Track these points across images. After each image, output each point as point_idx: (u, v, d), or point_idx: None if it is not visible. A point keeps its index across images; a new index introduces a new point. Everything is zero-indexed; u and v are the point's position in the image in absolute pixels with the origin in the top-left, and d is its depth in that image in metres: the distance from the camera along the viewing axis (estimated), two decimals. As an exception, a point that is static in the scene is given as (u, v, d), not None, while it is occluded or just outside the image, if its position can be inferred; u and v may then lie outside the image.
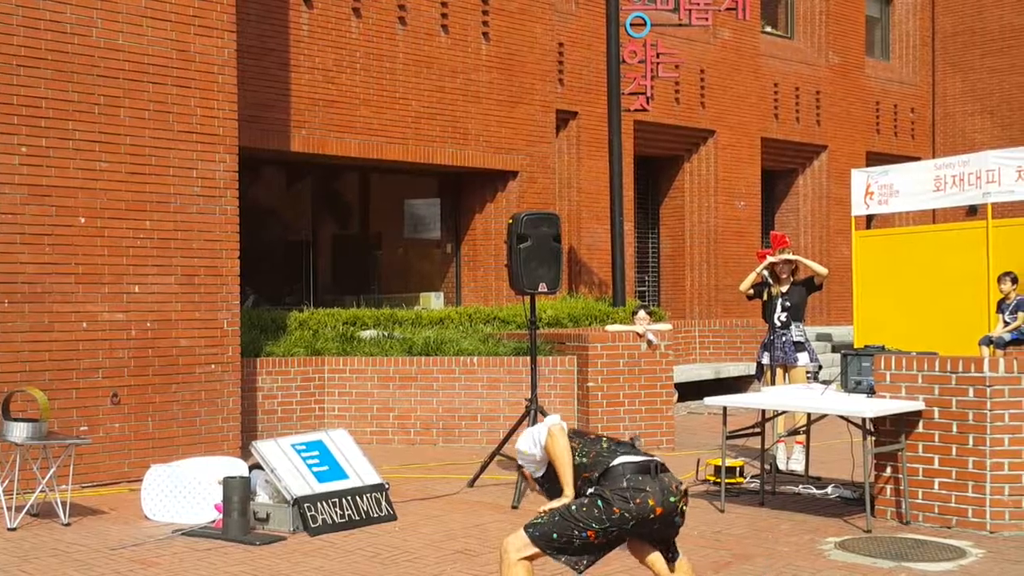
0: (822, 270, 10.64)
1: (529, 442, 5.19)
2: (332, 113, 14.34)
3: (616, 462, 4.95)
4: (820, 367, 10.09)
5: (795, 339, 10.42)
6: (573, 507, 4.89)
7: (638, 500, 4.83)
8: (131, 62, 9.82)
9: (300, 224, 16.28)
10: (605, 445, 5.07)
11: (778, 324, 10.44)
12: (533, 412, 9.36)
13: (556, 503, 5.03)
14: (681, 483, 5.04)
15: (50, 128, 9.36)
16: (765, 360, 10.60)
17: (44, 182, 9.33)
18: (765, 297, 10.64)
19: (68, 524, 8.03)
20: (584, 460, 5.01)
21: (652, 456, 5.10)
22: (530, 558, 4.91)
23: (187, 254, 10.23)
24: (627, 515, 4.83)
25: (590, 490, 4.93)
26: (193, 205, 10.26)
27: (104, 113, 9.68)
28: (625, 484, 4.86)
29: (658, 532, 5.04)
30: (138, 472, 9.07)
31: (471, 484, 9.49)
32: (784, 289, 10.50)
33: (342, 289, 16.21)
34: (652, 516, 4.86)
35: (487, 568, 6.76)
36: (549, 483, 5.22)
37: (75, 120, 9.50)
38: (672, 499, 4.92)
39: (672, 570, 5.17)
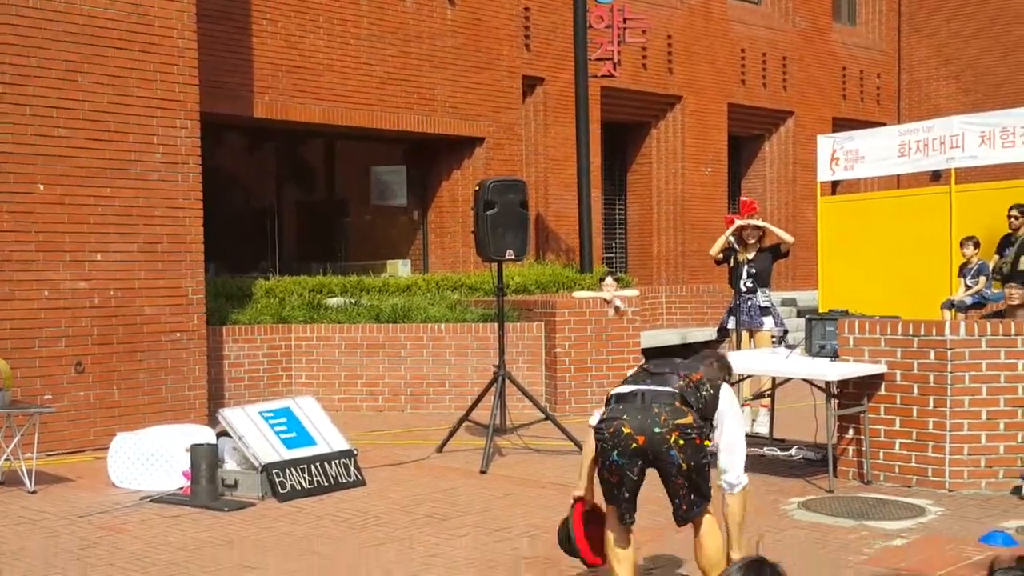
0: (788, 238, 10.73)
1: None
2: (296, 79, 14.22)
3: (611, 392, 4.94)
4: (786, 332, 10.16)
5: (761, 304, 10.51)
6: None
7: (611, 429, 4.75)
8: (90, 26, 9.69)
9: (265, 191, 16.17)
10: (630, 371, 5.11)
11: (744, 289, 10.53)
12: (501, 379, 9.38)
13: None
14: (680, 416, 4.76)
15: (7, 94, 9.23)
16: (731, 325, 10.69)
17: (2, 149, 9.21)
18: (732, 263, 10.72)
19: (34, 492, 8.00)
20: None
21: (655, 385, 4.89)
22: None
23: (150, 222, 10.15)
24: (605, 445, 4.77)
25: None
26: (155, 172, 10.17)
27: (62, 78, 9.55)
28: (605, 413, 4.84)
29: (662, 471, 4.84)
30: (104, 440, 9.03)
31: (440, 450, 9.52)
32: (751, 255, 10.58)
33: (308, 257, 16.14)
34: (635, 446, 4.71)
35: (456, 531, 6.79)
36: None
37: (33, 86, 9.38)
38: (657, 430, 4.70)
39: (694, 536, 5.01)
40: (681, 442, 4.75)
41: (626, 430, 4.73)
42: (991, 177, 14.38)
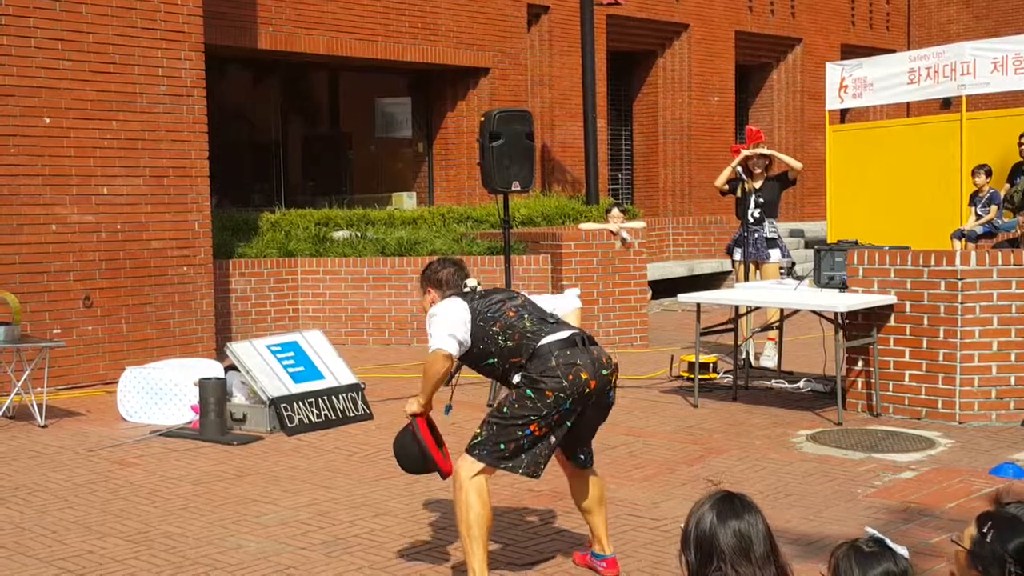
0: (797, 164, 10.57)
1: (430, 329, 4.85)
2: (300, 9, 14.04)
3: (543, 342, 4.64)
4: (793, 263, 10.09)
5: (767, 235, 10.39)
6: (505, 409, 4.64)
7: (571, 376, 4.53)
8: (91, -43, 9.55)
9: (269, 124, 16.06)
10: (528, 323, 4.72)
11: (751, 220, 10.40)
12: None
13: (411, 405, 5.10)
14: (611, 356, 4.75)
15: (10, 26, 9.13)
16: (737, 256, 10.58)
17: (7, 82, 9.13)
18: (739, 193, 10.59)
19: (45, 426, 8.04)
20: (509, 343, 4.68)
21: (577, 328, 4.82)
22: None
23: (155, 155, 10.09)
24: (562, 394, 4.52)
25: (516, 379, 4.66)
26: (159, 104, 10.09)
27: (65, 10, 9.43)
28: (554, 362, 4.55)
29: (591, 414, 4.73)
30: (113, 375, 9.06)
31: (448, 383, 9.51)
32: (758, 185, 10.44)
33: (313, 190, 16.07)
34: (588, 391, 4.56)
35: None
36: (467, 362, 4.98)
37: (36, 17, 9.27)
38: (604, 372, 4.61)
39: (584, 480, 4.94)
40: (616, 382, 4.77)
41: (584, 375, 4.56)
42: (1002, 105, 14.24)
